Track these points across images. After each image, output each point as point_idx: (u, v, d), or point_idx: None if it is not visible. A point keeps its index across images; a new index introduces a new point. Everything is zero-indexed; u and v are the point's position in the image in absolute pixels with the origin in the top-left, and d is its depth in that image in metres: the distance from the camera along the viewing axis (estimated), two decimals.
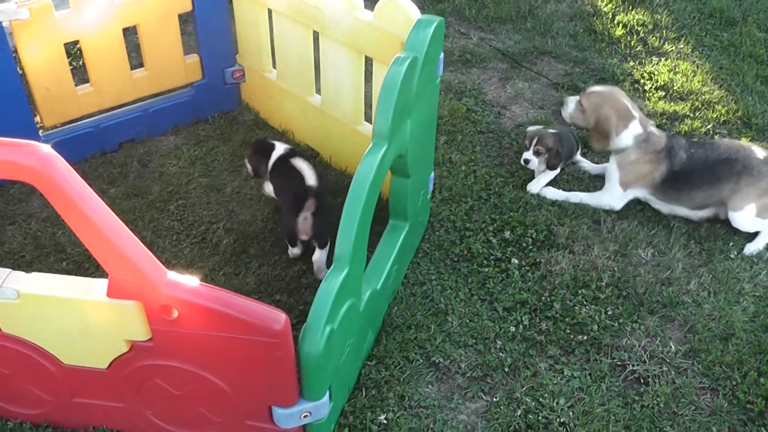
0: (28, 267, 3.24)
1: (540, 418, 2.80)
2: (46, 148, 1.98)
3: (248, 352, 2.25)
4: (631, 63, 5.05)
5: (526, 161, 3.80)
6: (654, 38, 5.33)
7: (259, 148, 3.62)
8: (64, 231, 3.49)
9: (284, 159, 3.50)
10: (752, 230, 3.59)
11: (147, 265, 2.13)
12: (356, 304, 2.59)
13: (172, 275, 2.17)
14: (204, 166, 4.01)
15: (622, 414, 2.83)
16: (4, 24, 3.43)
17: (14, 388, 2.60)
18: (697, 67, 5.00)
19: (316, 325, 2.31)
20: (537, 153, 3.78)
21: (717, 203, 3.63)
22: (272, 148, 3.59)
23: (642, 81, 4.85)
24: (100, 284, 2.23)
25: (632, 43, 5.26)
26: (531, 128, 4.15)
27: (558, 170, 3.89)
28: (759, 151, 3.60)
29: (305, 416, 2.48)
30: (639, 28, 5.43)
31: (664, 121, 4.47)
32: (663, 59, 5.08)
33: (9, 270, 2.32)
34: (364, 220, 2.46)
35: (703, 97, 4.67)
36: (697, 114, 4.54)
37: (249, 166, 3.72)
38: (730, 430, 2.81)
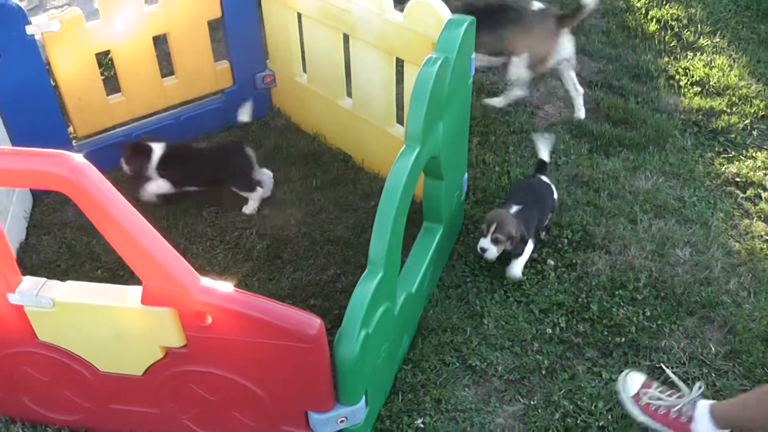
0: (63, 275, 3.26)
1: (578, 422, 2.76)
2: (78, 158, 1.98)
3: (283, 358, 2.24)
4: (666, 59, 4.98)
5: (483, 250, 3.23)
6: (689, 33, 5.25)
7: (138, 150, 3.68)
8: (98, 239, 3.51)
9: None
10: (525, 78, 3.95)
11: (180, 271, 2.12)
12: (391, 308, 2.57)
13: (206, 281, 2.16)
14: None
15: None
16: (36, 36, 3.46)
17: (52, 395, 2.61)
18: (734, 61, 4.91)
19: (351, 330, 2.29)
20: (495, 241, 3.21)
21: (507, 50, 3.90)
22: (150, 149, 3.68)
23: (677, 77, 4.77)
24: (135, 292, 2.24)
25: (666, 39, 5.18)
26: (490, 213, 3.32)
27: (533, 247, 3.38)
28: (535, 3, 3.88)
29: (341, 421, 2.46)
30: (673, 23, 5.35)
31: (700, 117, 4.40)
32: (698, 54, 5.00)
33: (44, 279, 2.33)
34: (398, 223, 2.43)
35: (740, 91, 4.59)
36: (734, 109, 4.46)
37: (126, 167, 3.74)
38: None
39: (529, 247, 3.32)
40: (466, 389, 2.89)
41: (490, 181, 3.87)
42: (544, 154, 3.68)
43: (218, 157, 3.74)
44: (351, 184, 3.86)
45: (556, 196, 3.57)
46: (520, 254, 3.29)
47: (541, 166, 3.66)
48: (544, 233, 3.52)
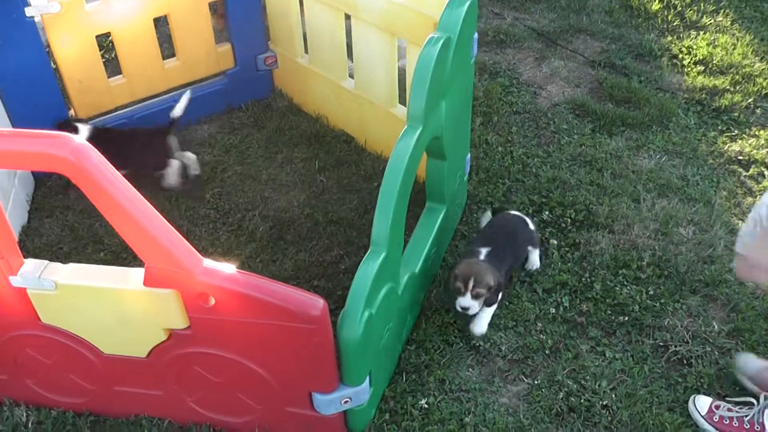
0: (66, 258, 3.26)
1: (582, 401, 2.76)
2: (79, 139, 1.97)
3: (287, 339, 2.24)
4: (669, 38, 4.95)
5: (464, 308, 2.88)
6: (692, 12, 5.21)
7: (63, 128, 3.59)
8: (101, 222, 3.50)
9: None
10: None
11: (183, 253, 2.12)
12: (395, 288, 2.57)
13: (208, 263, 2.16)
14: (239, 153, 4.00)
15: (666, 396, 2.78)
16: (36, 18, 3.44)
17: (56, 378, 2.62)
18: (737, 39, 4.88)
19: (355, 310, 2.29)
20: (476, 296, 2.86)
21: None
22: (76, 129, 3.59)
23: (680, 56, 4.74)
24: (137, 273, 2.23)
25: (669, 18, 5.14)
26: (460, 266, 2.94)
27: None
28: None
29: (345, 402, 2.46)
30: (676, 2, 5.31)
31: (703, 96, 4.37)
32: (701, 33, 4.97)
33: (46, 261, 2.33)
34: (401, 203, 2.42)
35: (743, 70, 4.56)
36: (737, 88, 4.43)
37: None
38: None
39: (500, 295, 2.98)
40: (470, 369, 2.89)
41: (493, 161, 3.85)
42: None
43: (135, 141, 3.71)
44: (353, 165, 3.85)
45: (532, 227, 3.23)
46: (493, 303, 2.95)
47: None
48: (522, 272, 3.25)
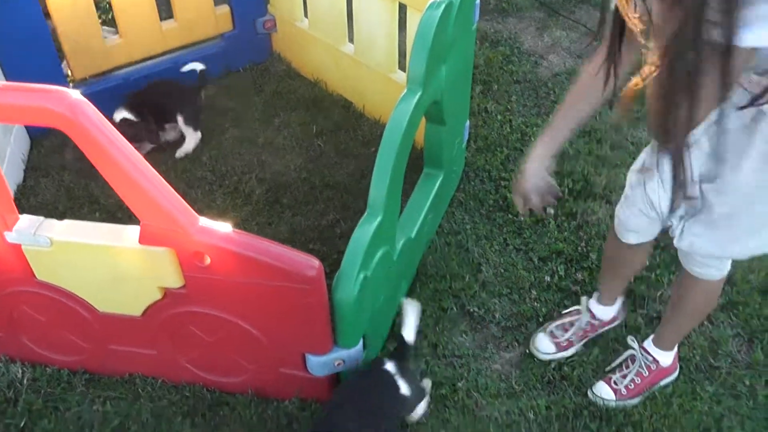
0: (61, 217, 3.17)
1: (575, 370, 2.77)
2: (76, 94, 1.95)
3: (281, 299, 2.24)
4: None
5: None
6: None
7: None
8: (97, 183, 3.49)
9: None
10: None
11: (178, 211, 2.11)
12: (390, 252, 2.56)
13: (204, 221, 2.15)
14: (235, 116, 3.98)
15: None
16: None
17: (51, 335, 2.62)
18: None
19: (350, 272, 2.28)
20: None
21: None
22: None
23: None
24: (132, 231, 2.22)
25: None
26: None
27: None
28: None
29: (339, 364, 2.47)
30: None
31: None
32: None
33: (42, 218, 2.32)
34: (398, 166, 2.41)
35: None
36: None
37: None
38: (767, 383, 2.75)
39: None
40: (464, 335, 2.90)
41: (492, 130, 3.84)
42: (408, 330, 2.53)
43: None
44: (352, 131, 3.83)
45: (407, 392, 2.39)
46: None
47: (401, 348, 2.53)
48: None
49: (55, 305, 2.48)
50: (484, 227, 3.30)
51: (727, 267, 2.44)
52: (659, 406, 2.65)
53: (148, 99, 3.73)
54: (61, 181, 3.56)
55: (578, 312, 2.88)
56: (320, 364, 2.44)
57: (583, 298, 2.88)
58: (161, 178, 2.08)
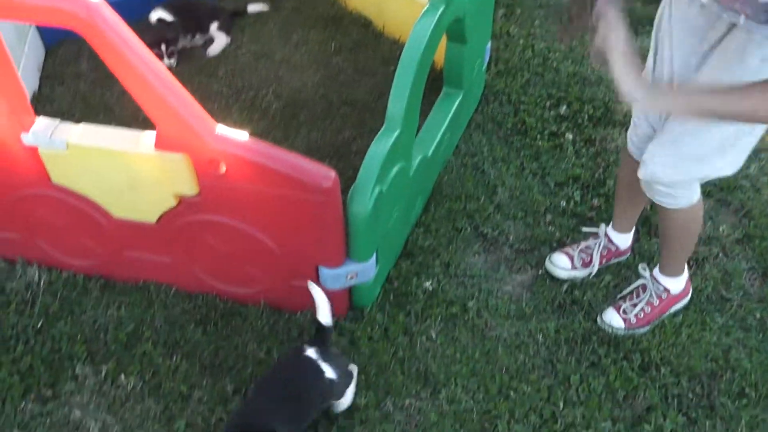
0: None
1: (585, 293, 2.78)
2: None
3: (296, 210, 2.23)
4: None
5: None
6: None
7: None
8: (112, 92, 3.47)
9: None
10: None
11: (195, 117, 2.10)
12: (406, 169, 2.55)
13: (221, 128, 2.14)
14: (253, 33, 3.93)
15: None
16: None
17: (67, 240, 2.63)
18: None
19: (365, 186, 2.27)
20: None
21: None
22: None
23: None
24: (149, 137, 2.21)
25: None
26: None
27: None
28: None
29: (351, 278, 2.48)
30: None
31: None
32: None
33: (58, 120, 2.31)
34: (418, 81, 2.38)
35: None
36: None
37: None
38: None
39: None
40: (476, 256, 2.90)
41: (513, 54, 3.78)
42: (323, 313, 2.32)
43: None
44: (371, 49, 3.77)
45: (333, 376, 2.26)
46: None
47: (320, 333, 2.34)
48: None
49: (70, 209, 2.49)
50: (501, 150, 3.27)
51: (696, 193, 2.40)
52: (668, 335, 2.66)
53: (185, 3, 3.78)
54: (77, 89, 3.54)
55: (595, 236, 2.88)
56: (333, 276, 2.45)
57: (602, 225, 2.87)
58: (179, 83, 2.07)
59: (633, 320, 2.67)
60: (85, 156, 2.29)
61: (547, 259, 2.86)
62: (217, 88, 3.57)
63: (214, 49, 3.78)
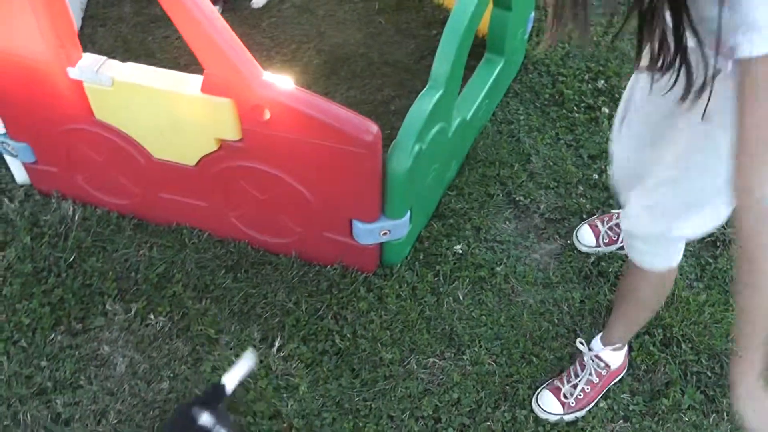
0: None
1: (611, 266, 2.79)
2: None
3: (336, 162, 2.25)
4: None
5: None
6: None
7: None
8: (154, 37, 3.49)
9: None
10: None
11: (243, 62, 2.11)
12: (446, 129, 2.56)
13: (268, 75, 2.15)
14: None
15: (694, 274, 2.80)
16: None
17: (105, 177, 2.67)
18: None
19: (406, 142, 2.29)
20: None
21: None
22: None
23: None
24: (195, 80, 2.23)
25: None
26: None
27: None
28: None
29: (384, 234, 2.50)
30: None
31: None
32: None
33: (105, 57, 2.33)
34: (464, 43, 2.38)
35: None
36: None
37: None
38: None
39: None
40: (507, 222, 2.91)
41: None
42: (232, 378, 2.24)
43: None
44: (414, 11, 3.75)
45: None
46: None
47: (216, 393, 2.19)
48: None
49: (111, 146, 2.52)
50: (538, 119, 3.27)
51: (676, 256, 2.11)
52: (691, 312, 2.67)
53: None
54: (119, 32, 3.55)
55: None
56: (366, 231, 2.47)
57: None
58: (228, 27, 2.08)
59: (573, 403, 2.41)
60: (130, 94, 2.31)
61: (575, 231, 2.86)
62: (259, 40, 3.57)
63: (259, 1, 3.77)
